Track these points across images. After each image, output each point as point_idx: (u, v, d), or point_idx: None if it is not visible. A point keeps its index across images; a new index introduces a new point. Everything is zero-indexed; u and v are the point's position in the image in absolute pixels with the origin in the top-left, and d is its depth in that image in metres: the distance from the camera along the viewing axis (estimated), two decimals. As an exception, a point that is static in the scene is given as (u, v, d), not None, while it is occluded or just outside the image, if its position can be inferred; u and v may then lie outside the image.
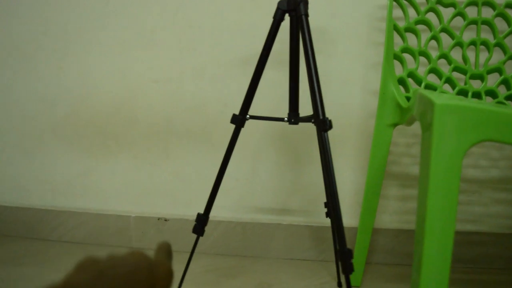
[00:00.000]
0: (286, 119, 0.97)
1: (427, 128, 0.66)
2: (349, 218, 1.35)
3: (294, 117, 0.96)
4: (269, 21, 1.30)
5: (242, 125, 0.95)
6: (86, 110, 1.43)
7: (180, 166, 1.41)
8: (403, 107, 1.03)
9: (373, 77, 1.30)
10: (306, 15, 0.89)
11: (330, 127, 0.83)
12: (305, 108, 1.31)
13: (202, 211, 1.32)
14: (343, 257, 0.77)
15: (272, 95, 1.34)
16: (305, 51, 0.87)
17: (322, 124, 0.82)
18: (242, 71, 1.35)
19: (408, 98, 1.09)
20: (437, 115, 0.63)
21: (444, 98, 0.65)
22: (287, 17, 0.96)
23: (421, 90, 0.75)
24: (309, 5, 1.28)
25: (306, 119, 0.93)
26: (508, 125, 0.62)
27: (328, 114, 1.32)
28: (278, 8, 0.93)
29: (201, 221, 0.96)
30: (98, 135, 1.43)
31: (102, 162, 1.44)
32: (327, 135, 0.82)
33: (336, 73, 1.31)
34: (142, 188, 1.43)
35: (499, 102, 1.09)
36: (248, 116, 0.94)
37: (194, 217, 1.25)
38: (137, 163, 1.43)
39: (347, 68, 1.31)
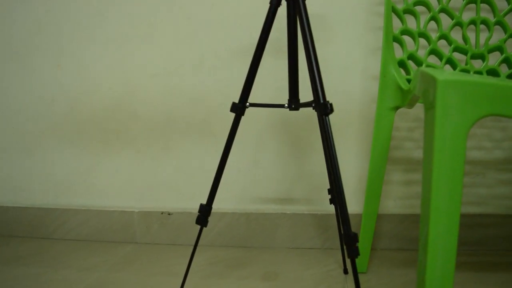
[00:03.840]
0: (286, 105, 0.96)
1: (430, 106, 0.64)
2: (354, 204, 1.34)
3: (294, 103, 0.95)
4: (267, 10, 1.28)
5: (242, 113, 0.94)
6: (86, 107, 1.42)
7: (183, 159, 1.40)
8: (404, 89, 1.02)
9: (373, 62, 1.29)
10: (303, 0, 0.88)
11: (331, 110, 0.82)
12: (306, 96, 1.30)
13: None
14: (348, 241, 0.76)
15: (273, 83, 1.33)
16: (303, 35, 0.86)
17: (324, 108, 0.81)
18: (241, 62, 1.33)
19: (408, 81, 1.08)
20: (440, 91, 0.61)
21: (447, 74, 0.64)
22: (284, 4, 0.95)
23: (423, 68, 0.74)
24: (306, -8, 1.27)
25: (307, 105, 0.92)
26: (510, 98, 0.61)
27: (330, 100, 1.30)
28: (274, -7, 0.92)
29: (204, 211, 0.95)
30: (99, 131, 1.43)
31: (103, 159, 1.44)
32: (329, 119, 0.81)
33: (336, 60, 1.30)
34: (145, 183, 1.43)
35: (501, 81, 1.07)
36: (248, 104, 0.93)
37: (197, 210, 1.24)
38: (139, 158, 1.42)
39: (346, 54, 1.30)
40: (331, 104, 0.82)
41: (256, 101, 1.33)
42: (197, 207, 1.38)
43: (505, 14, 1.09)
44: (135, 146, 1.41)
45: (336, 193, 0.78)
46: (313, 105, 0.91)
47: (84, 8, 1.38)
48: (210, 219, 1.37)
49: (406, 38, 1.12)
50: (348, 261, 1.22)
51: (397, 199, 1.33)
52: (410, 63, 1.11)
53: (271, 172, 1.36)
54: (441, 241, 0.65)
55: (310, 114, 1.32)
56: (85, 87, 1.41)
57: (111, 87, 1.40)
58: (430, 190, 0.64)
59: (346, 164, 1.33)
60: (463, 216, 1.31)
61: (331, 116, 1.31)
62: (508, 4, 1.09)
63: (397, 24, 1.13)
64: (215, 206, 1.39)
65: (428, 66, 1.10)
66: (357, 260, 1.18)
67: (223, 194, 1.39)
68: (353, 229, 1.32)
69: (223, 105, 1.36)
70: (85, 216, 1.45)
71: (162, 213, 1.40)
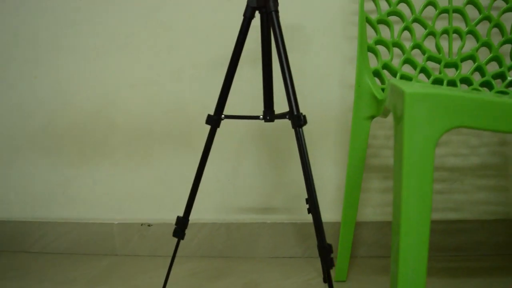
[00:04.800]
0: (261, 117, 0.96)
1: (399, 118, 0.65)
2: (332, 213, 1.35)
3: (269, 114, 0.96)
4: (243, 19, 1.29)
5: (218, 125, 0.94)
6: (63, 119, 1.41)
7: (162, 170, 1.39)
8: (379, 99, 1.03)
9: (350, 71, 1.30)
10: (276, 11, 0.89)
11: (305, 122, 0.82)
12: (285, 105, 1.30)
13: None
14: (323, 253, 0.77)
15: (250, 94, 1.33)
16: (277, 47, 0.87)
17: (297, 120, 0.82)
18: (220, 72, 1.34)
19: (383, 90, 1.09)
20: (408, 104, 0.62)
21: (415, 86, 0.65)
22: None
23: (393, 80, 0.75)
24: (284, 2, 1.28)
25: (281, 116, 0.93)
26: (477, 110, 0.62)
27: (308, 110, 1.31)
28: (247, 6, 0.92)
29: (181, 224, 0.95)
30: (77, 143, 1.41)
31: (82, 171, 1.42)
32: (302, 130, 0.82)
33: (313, 69, 1.31)
34: (124, 195, 1.42)
35: (474, 89, 1.09)
36: (223, 116, 0.93)
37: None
38: (118, 169, 1.41)
39: (323, 64, 1.31)
40: (304, 116, 0.82)
41: (236, 110, 1.33)
42: (177, 218, 1.38)
43: (477, 23, 1.11)
44: (114, 157, 1.40)
45: (310, 204, 0.78)
46: (287, 116, 0.91)
47: (61, 19, 1.37)
48: (190, 229, 1.37)
49: (381, 48, 1.13)
50: (328, 269, 1.22)
51: (375, 207, 1.34)
52: (385, 73, 1.12)
53: (250, 182, 1.37)
54: (412, 251, 0.66)
55: (288, 124, 1.33)
56: (62, 99, 1.40)
57: (89, 98, 1.39)
58: (400, 201, 0.65)
59: (324, 172, 1.34)
60: (441, 222, 1.32)
61: (309, 125, 1.32)
62: (480, 13, 1.11)
63: (372, 34, 1.14)
64: (195, 216, 1.38)
65: (402, 75, 1.11)
66: (336, 268, 1.19)
67: (203, 204, 1.38)
68: (332, 237, 1.32)
69: (202, 116, 1.36)
70: (64, 228, 1.43)
71: (142, 225, 1.39)
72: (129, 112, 1.38)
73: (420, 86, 0.68)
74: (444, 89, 0.66)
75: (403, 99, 0.63)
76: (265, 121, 0.96)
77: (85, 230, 1.42)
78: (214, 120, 0.93)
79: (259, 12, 0.94)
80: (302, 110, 1.32)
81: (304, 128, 1.32)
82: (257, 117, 0.96)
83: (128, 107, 1.38)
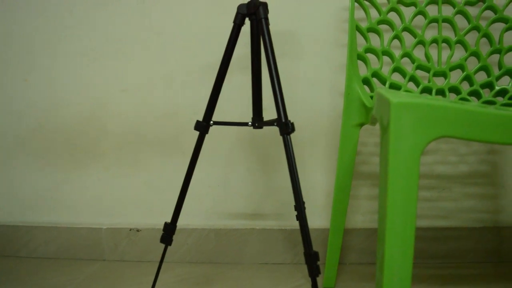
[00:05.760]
0: (250, 123, 0.96)
1: (385, 129, 0.66)
2: (322, 219, 1.35)
3: (258, 121, 0.96)
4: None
5: (206, 132, 0.94)
6: (54, 122, 1.40)
7: (152, 175, 1.39)
8: (368, 106, 1.04)
9: (341, 78, 1.31)
10: (266, 18, 0.89)
11: (293, 129, 0.82)
12: (274, 111, 1.31)
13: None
14: (309, 260, 0.77)
15: (241, 100, 1.33)
16: (266, 54, 0.87)
17: (285, 127, 0.82)
18: (211, 77, 1.34)
19: (372, 98, 1.10)
20: (394, 113, 0.63)
21: (401, 96, 0.66)
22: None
23: (380, 89, 0.75)
24: (276, 9, 1.28)
25: (270, 123, 0.93)
26: (462, 120, 0.62)
27: (298, 116, 1.32)
28: (237, 12, 0.93)
29: (169, 230, 0.95)
30: (67, 147, 1.41)
31: (72, 175, 1.42)
32: (290, 138, 0.82)
33: (305, 75, 1.32)
34: (114, 200, 1.41)
35: (463, 99, 1.10)
36: (212, 122, 0.94)
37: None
38: (108, 174, 1.40)
39: (315, 70, 1.31)
40: (292, 123, 0.83)
41: (225, 116, 1.33)
42: (167, 223, 1.37)
43: (466, 33, 1.12)
44: (104, 162, 1.40)
45: (298, 211, 0.79)
46: (276, 123, 0.91)
47: (53, 23, 1.37)
48: (179, 235, 1.36)
49: (370, 56, 1.14)
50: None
51: (365, 214, 1.34)
52: (375, 81, 1.13)
53: (240, 188, 1.37)
54: (397, 259, 0.66)
55: (278, 130, 1.33)
56: (54, 102, 1.40)
57: (81, 103, 1.39)
58: (385, 210, 0.65)
59: (314, 178, 1.34)
60: (430, 229, 1.33)
61: (299, 132, 1.32)
62: (469, 23, 1.12)
63: (362, 42, 1.15)
64: (185, 222, 1.38)
65: (392, 83, 1.12)
66: (324, 275, 1.19)
67: (193, 210, 1.38)
68: (321, 243, 1.33)
69: (193, 121, 1.35)
70: (52, 233, 1.42)
71: (130, 230, 1.38)
72: (120, 116, 1.38)
73: (406, 95, 0.68)
74: (430, 99, 0.66)
75: (389, 108, 0.63)
76: (253, 128, 0.97)
77: (74, 235, 1.41)
78: (202, 126, 0.93)
79: (249, 19, 0.94)
80: (293, 116, 1.32)
81: (294, 134, 1.32)
82: (245, 124, 0.96)
83: (119, 111, 1.38)
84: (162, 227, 1.37)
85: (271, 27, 1.30)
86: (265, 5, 0.90)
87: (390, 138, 0.63)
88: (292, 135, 1.32)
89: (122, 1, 1.35)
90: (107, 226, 1.39)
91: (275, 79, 0.84)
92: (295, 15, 1.30)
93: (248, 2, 0.92)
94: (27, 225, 1.43)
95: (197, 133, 1.35)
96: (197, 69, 1.34)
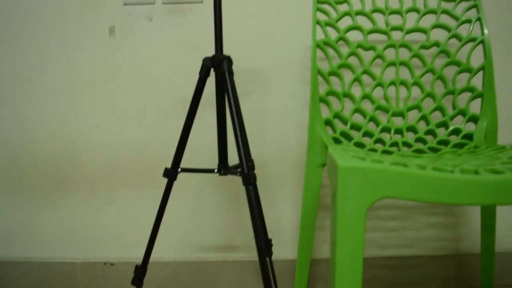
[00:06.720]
0: (216, 170, 1.01)
1: (334, 191, 0.71)
2: (290, 250, 1.40)
3: (223, 168, 1.00)
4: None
5: (175, 179, 0.98)
6: (27, 157, 1.43)
7: (125, 209, 1.42)
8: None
9: (307, 114, 1.36)
10: (230, 72, 0.94)
11: (254, 180, 0.87)
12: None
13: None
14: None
15: (212, 137, 1.38)
16: (230, 108, 0.92)
17: (247, 178, 0.87)
18: (181, 113, 1.38)
19: (334, 139, 1.16)
20: (341, 177, 0.68)
21: (348, 160, 0.71)
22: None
23: (331, 148, 0.81)
24: (243, 47, 1.34)
25: (234, 172, 0.98)
26: (402, 183, 0.68)
27: (267, 151, 1.37)
28: (203, 65, 0.97)
29: (139, 273, 0.98)
30: (41, 182, 1.43)
31: (45, 209, 1.44)
32: (251, 188, 0.86)
33: (272, 111, 1.37)
34: (88, 233, 1.44)
35: (419, 138, 1.16)
36: (179, 169, 0.98)
37: (141, 260, 1.26)
38: (81, 208, 1.43)
39: (282, 106, 1.37)
40: (254, 175, 0.87)
41: (197, 153, 1.37)
42: (141, 256, 1.40)
43: (421, 75, 1.19)
44: (77, 196, 1.43)
45: (259, 256, 0.83)
46: (239, 173, 0.96)
47: (26, 59, 1.39)
48: (153, 268, 1.39)
49: (333, 98, 1.19)
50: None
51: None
52: (337, 121, 1.18)
53: (212, 221, 1.41)
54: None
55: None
56: (26, 138, 1.42)
57: (53, 138, 1.41)
58: (334, 267, 0.70)
59: (282, 211, 1.39)
60: (394, 258, 1.38)
61: (268, 166, 1.37)
62: (424, 66, 1.19)
63: (325, 83, 1.21)
64: (158, 255, 1.41)
65: (352, 124, 1.17)
66: (293, 308, 1.23)
67: (166, 243, 1.41)
68: (290, 274, 1.37)
69: (165, 155, 1.39)
70: (26, 268, 1.44)
71: (104, 264, 1.41)
72: (93, 151, 1.41)
73: (353, 159, 0.73)
74: (375, 160, 0.72)
75: (337, 171, 0.68)
76: (219, 175, 1.01)
77: (48, 269, 1.43)
78: (171, 174, 0.97)
79: (214, 71, 0.99)
80: (262, 151, 1.37)
81: (263, 168, 1.37)
82: (212, 171, 1.00)
83: (92, 146, 1.41)
84: (136, 260, 1.40)
85: (240, 65, 1.35)
86: (228, 59, 0.95)
87: (338, 199, 0.68)
88: (261, 169, 1.37)
89: (94, 38, 1.39)
90: (82, 261, 1.42)
91: (238, 133, 0.89)
92: (261, 53, 1.35)
93: (213, 56, 0.96)
94: (0, 260, 1.44)
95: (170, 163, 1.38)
96: (167, 105, 1.38)
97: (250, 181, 0.86)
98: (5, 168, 1.43)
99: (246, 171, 0.87)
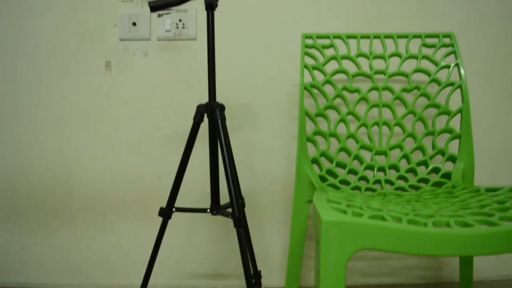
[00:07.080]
0: (208, 210, 1.06)
1: (318, 241, 0.77)
2: (278, 278, 1.45)
3: (215, 208, 1.06)
4: (198, 100, 1.41)
5: (169, 217, 1.03)
6: (23, 186, 1.47)
7: (119, 237, 1.47)
8: (316, 187, 1.15)
9: (295, 148, 1.43)
10: (222, 120, 1.00)
11: (245, 222, 0.93)
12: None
13: (141, 280, 1.38)
14: None
15: (205, 171, 1.43)
16: (222, 153, 0.97)
17: (237, 221, 0.92)
18: (174, 147, 1.44)
19: (321, 177, 1.22)
20: (323, 230, 0.74)
21: (331, 213, 0.77)
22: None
23: (315, 200, 0.87)
24: (234, 83, 1.40)
25: (225, 214, 1.03)
26: (380, 236, 0.74)
27: (256, 183, 1.43)
28: (197, 111, 1.03)
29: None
30: (36, 210, 1.47)
31: (40, 237, 1.48)
32: (242, 230, 0.92)
33: (262, 145, 1.43)
34: (82, 261, 1.48)
35: (401, 176, 1.23)
36: (174, 209, 1.03)
37: (134, 287, 1.31)
38: (76, 236, 1.47)
39: (271, 140, 1.43)
40: (245, 218, 0.93)
41: (192, 185, 1.43)
42: (134, 283, 1.45)
43: (403, 117, 1.26)
44: (72, 224, 1.47)
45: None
46: (230, 215, 1.02)
47: (23, 90, 1.44)
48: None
49: (319, 138, 1.26)
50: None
51: (318, 273, 1.45)
52: (323, 159, 1.25)
53: (203, 249, 1.46)
54: None
55: (239, 196, 1.44)
56: (22, 168, 1.46)
57: (49, 168, 1.46)
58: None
59: (271, 240, 1.45)
60: (378, 286, 1.44)
61: (258, 197, 1.43)
62: (406, 108, 1.26)
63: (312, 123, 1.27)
64: (151, 281, 1.46)
65: (338, 162, 1.24)
66: (280, 337, 1.28)
67: (157, 270, 1.46)
68: (279, 303, 1.43)
69: (157, 187, 1.45)
70: (21, 294, 1.48)
71: (98, 291, 1.45)
72: (87, 181, 1.46)
73: (335, 212, 0.79)
74: (356, 214, 0.78)
75: (320, 224, 0.75)
76: (212, 215, 1.07)
77: (43, 295, 1.47)
78: (165, 213, 1.03)
79: (207, 117, 1.05)
80: (251, 182, 1.43)
81: (254, 198, 1.43)
82: (204, 210, 1.06)
83: (87, 177, 1.46)
84: (128, 287, 1.45)
85: (231, 100, 1.41)
86: (221, 107, 1.01)
87: (321, 250, 0.74)
88: (251, 199, 1.43)
89: (90, 71, 1.44)
90: (75, 287, 1.46)
91: (230, 178, 0.94)
92: (251, 90, 1.42)
93: (206, 103, 1.02)
94: (-4, 287, 1.48)
95: (162, 197, 1.44)
96: (160, 138, 1.44)
97: (240, 224, 0.92)
98: (1, 196, 1.47)
99: (237, 215, 0.93)
